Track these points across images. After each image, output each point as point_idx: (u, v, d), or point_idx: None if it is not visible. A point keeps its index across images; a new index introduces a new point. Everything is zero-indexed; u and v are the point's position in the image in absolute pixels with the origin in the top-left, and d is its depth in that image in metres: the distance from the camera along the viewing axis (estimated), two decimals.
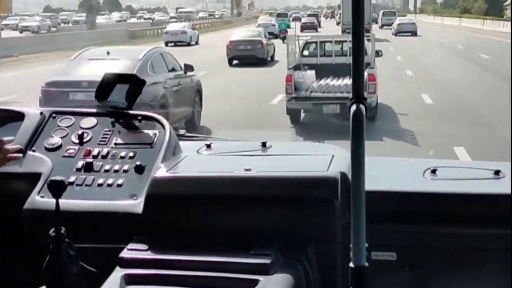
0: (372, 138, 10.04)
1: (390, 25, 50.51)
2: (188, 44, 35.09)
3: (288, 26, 42.85)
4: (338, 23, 49.29)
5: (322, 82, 12.82)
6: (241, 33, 26.79)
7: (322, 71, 13.24)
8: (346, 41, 14.16)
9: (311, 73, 13.17)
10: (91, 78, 9.63)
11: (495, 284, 2.47)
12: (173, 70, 11.88)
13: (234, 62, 24.41)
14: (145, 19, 72.18)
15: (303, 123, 12.60)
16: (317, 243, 2.37)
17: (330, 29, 44.92)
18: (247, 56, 24.31)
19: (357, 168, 1.89)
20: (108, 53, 11.39)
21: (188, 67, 12.23)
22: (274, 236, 2.34)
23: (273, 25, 38.70)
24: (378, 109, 12.51)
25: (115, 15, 75.97)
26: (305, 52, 14.45)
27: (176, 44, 33.63)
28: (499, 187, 2.56)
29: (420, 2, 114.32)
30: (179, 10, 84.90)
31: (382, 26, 53.50)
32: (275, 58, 24.16)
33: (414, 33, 45.56)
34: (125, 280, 2.18)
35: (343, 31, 33.20)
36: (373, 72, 12.42)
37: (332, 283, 2.39)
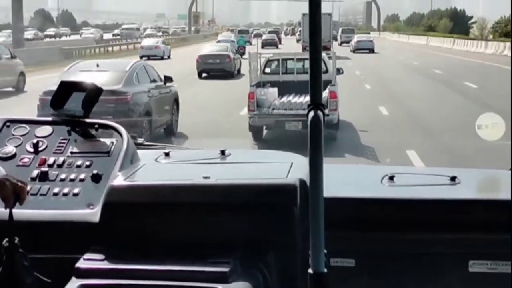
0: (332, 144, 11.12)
1: (349, 42, 51.47)
2: (162, 58, 36.59)
3: (249, 43, 44.06)
4: (298, 40, 49.86)
5: (284, 99, 12.92)
6: (209, 48, 28.22)
7: (284, 88, 13.35)
8: (307, 59, 14.56)
9: (273, 90, 13.31)
10: None
11: None
12: (154, 81, 13.03)
13: (203, 75, 25.64)
14: (114, 35, 68.48)
15: (265, 139, 12.70)
16: (276, 250, 2.37)
17: (291, 46, 45.59)
18: (215, 70, 25.64)
19: (315, 175, 1.89)
20: (97, 65, 12.51)
21: (168, 79, 13.36)
22: (233, 244, 2.33)
23: (233, 41, 39.89)
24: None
25: (51, 31, 70.70)
26: (267, 70, 14.51)
27: (149, 58, 34.52)
28: (455, 193, 2.62)
29: (382, 20, 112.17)
30: (123, 26, 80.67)
31: (341, 43, 54.15)
32: (241, 72, 25.12)
33: (371, 50, 46.72)
34: None
35: (304, 49, 33.45)
36: (334, 89, 12.58)
37: None
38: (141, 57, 33.97)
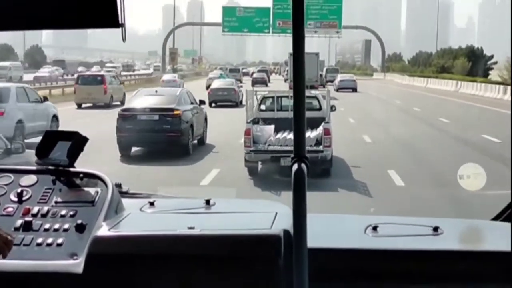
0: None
1: (333, 81, 51.08)
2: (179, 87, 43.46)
3: (240, 81, 45.77)
4: (286, 80, 49.47)
5: (280, 135, 13.26)
6: (218, 82, 34.52)
7: (279, 125, 13.64)
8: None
9: (270, 127, 13.67)
10: (149, 106, 16.39)
11: None
12: (192, 103, 17.90)
13: (213, 104, 30.59)
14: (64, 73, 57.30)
15: (260, 174, 12.95)
16: None
17: (279, 83, 46.42)
18: (224, 100, 31.33)
19: (299, 226, 1.91)
20: (156, 91, 18.32)
21: (202, 102, 18.78)
22: None
23: (218, 78, 44.17)
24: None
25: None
26: (262, 107, 14.92)
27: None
28: (438, 244, 2.63)
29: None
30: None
31: (326, 82, 52.70)
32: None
33: (354, 89, 46.90)
34: None
35: (291, 88, 35.13)
36: (328, 126, 12.98)
37: None
38: None
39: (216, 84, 33.58)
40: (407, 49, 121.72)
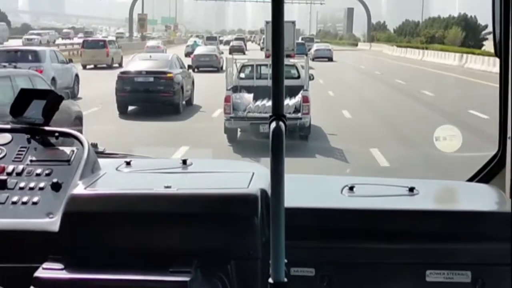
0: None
1: (310, 50, 49.86)
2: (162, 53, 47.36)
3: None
4: (262, 48, 48.71)
5: (259, 103, 13.47)
6: (201, 49, 37.24)
7: (258, 93, 13.82)
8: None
9: (249, 95, 13.89)
10: (145, 69, 18.45)
11: None
12: (181, 68, 19.79)
13: (196, 70, 32.95)
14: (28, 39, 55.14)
15: (239, 141, 13.24)
16: (237, 260, 2.38)
17: (255, 52, 46.05)
18: (206, 65, 33.35)
19: (277, 185, 1.91)
20: (150, 56, 20.50)
21: (190, 67, 21.19)
22: (194, 254, 2.33)
23: (191, 45, 46.87)
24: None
25: None
26: (242, 75, 15.13)
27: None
28: (414, 203, 2.66)
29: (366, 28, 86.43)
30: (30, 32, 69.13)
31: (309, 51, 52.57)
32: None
33: (330, 59, 46.77)
34: None
35: (267, 57, 33.11)
36: (307, 94, 13.44)
37: None
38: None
39: (199, 50, 36.05)
40: (390, 18, 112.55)
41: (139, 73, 18.42)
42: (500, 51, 2.68)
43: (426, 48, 53.07)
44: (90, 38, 44.15)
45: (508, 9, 2.58)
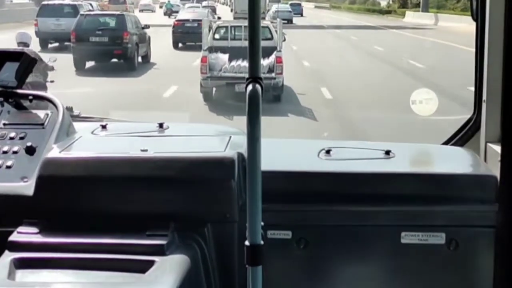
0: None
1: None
2: (152, 11, 50.77)
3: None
4: (231, 10, 48.47)
5: (234, 63, 13.80)
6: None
7: (233, 54, 14.06)
8: None
9: (224, 55, 14.18)
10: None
11: (385, 259, 2.58)
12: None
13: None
14: None
15: (214, 99, 13.77)
16: (214, 223, 2.39)
17: (226, 15, 44.73)
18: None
19: (253, 148, 1.89)
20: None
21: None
22: (170, 217, 2.34)
23: (161, 7, 48.12)
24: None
25: None
26: (217, 36, 15.44)
27: (143, 11, 47.73)
28: (390, 166, 2.68)
29: None
30: None
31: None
32: None
33: (290, 21, 46.09)
34: (14, 264, 2.12)
35: (235, 18, 34.71)
36: (280, 55, 13.91)
37: (229, 262, 2.42)
38: (141, 11, 46.65)
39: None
40: None
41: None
42: (476, 15, 2.71)
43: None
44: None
45: None
